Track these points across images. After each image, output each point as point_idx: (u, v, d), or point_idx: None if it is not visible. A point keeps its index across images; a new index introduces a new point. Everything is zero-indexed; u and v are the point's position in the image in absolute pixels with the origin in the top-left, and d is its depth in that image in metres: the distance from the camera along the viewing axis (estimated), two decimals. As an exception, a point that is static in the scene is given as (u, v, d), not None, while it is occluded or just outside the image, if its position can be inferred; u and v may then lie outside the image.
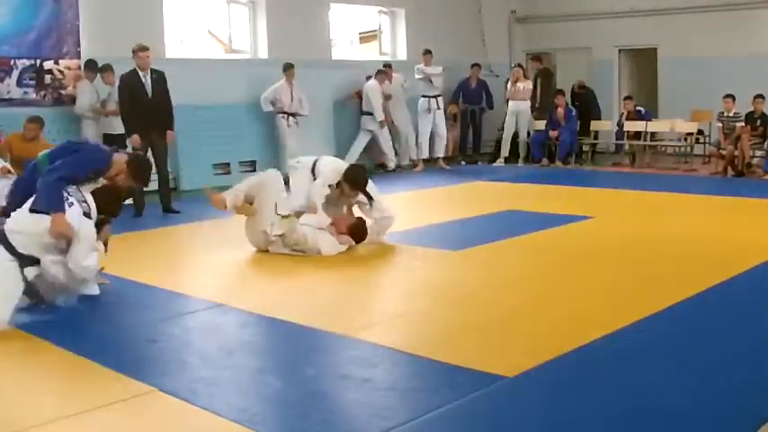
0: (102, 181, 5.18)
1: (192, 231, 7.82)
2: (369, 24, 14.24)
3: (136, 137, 8.37)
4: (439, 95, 12.71)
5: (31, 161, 5.54)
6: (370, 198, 6.67)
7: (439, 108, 12.74)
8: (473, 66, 13.56)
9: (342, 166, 6.87)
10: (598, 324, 4.38)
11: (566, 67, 15.01)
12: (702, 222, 7.65)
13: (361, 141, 12.26)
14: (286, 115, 11.23)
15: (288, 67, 11.13)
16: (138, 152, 5.58)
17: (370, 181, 6.80)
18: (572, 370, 3.79)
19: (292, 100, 11.21)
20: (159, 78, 8.52)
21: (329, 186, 6.63)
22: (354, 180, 6.62)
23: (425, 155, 12.78)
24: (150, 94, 8.45)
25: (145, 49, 8.44)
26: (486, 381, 3.60)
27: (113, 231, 5.51)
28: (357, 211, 6.86)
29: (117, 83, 8.81)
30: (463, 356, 3.91)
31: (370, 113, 12.13)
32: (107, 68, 9.47)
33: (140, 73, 8.41)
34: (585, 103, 13.46)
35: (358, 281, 5.87)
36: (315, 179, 6.73)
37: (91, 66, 9.63)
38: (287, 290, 5.61)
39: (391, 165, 12.49)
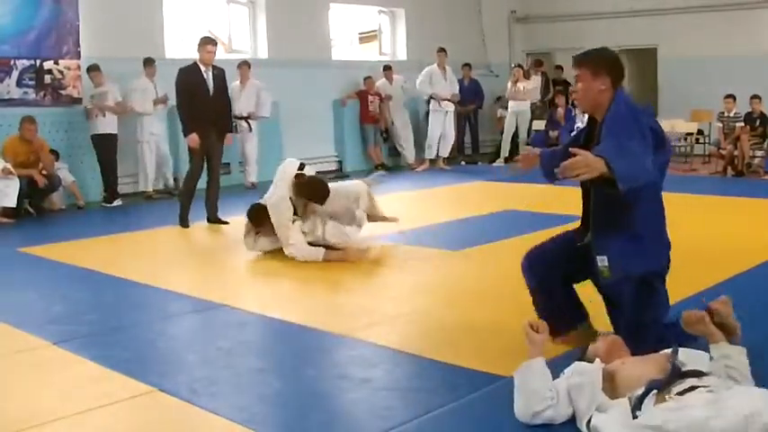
0: None
1: (193, 232, 7.81)
2: (369, 24, 14.24)
3: (195, 136, 7.64)
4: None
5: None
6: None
7: (449, 110, 12.67)
8: (464, 66, 13.54)
9: (290, 175, 6.42)
10: (598, 324, 4.37)
11: (566, 68, 14.99)
12: (702, 222, 7.64)
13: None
14: (234, 119, 10.11)
15: (240, 64, 10.71)
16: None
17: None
18: (572, 370, 3.78)
19: (239, 101, 10.48)
20: (220, 75, 7.86)
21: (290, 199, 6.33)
22: (314, 195, 6.35)
23: (433, 155, 12.71)
24: (212, 92, 7.76)
25: (213, 42, 7.85)
26: (486, 381, 3.60)
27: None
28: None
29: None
30: (463, 356, 3.91)
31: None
32: (95, 68, 9.47)
33: (202, 68, 7.70)
34: None
35: (357, 281, 5.87)
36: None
37: (149, 62, 9.83)
38: (287, 290, 5.62)
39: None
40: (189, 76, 7.69)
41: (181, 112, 7.82)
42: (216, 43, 7.86)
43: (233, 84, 10.77)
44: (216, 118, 7.77)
